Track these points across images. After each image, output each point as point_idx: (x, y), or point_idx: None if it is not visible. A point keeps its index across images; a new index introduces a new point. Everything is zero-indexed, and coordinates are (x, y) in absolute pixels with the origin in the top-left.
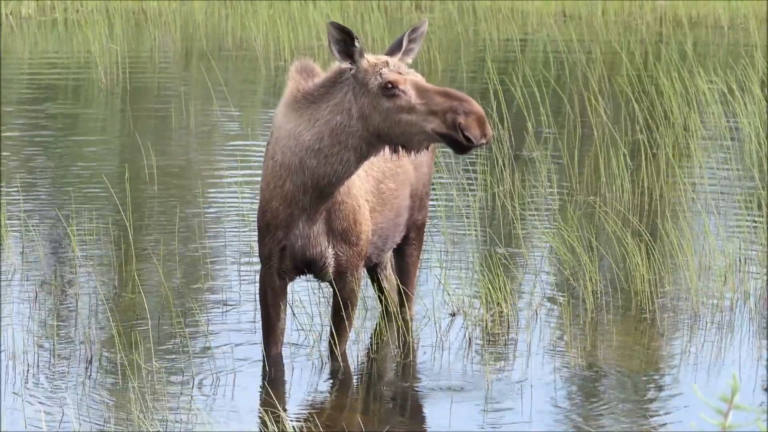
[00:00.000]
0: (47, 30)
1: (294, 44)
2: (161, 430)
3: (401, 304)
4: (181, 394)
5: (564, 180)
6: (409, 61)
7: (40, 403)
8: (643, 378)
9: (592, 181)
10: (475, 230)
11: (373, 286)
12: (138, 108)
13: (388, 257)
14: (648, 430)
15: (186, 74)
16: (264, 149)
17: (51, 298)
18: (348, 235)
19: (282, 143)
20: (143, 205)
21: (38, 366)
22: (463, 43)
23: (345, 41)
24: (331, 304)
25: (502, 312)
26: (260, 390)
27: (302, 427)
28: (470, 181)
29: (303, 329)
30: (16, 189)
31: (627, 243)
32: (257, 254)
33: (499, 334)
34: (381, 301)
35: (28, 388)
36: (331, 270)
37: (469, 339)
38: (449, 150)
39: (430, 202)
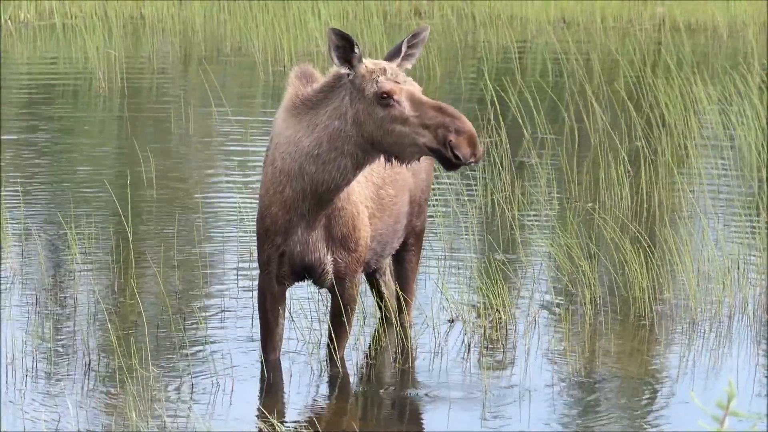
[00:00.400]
0: (46, 34)
1: (293, 49)
2: None
3: (400, 310)
4: (179, 399)
5: (563, 186)
6: (409, 66)
7: (39, 407)
8: (642, 384)
9: (590, 188)
10: (474, 236)
11: (372, 291)
12: (136, 112)
13: (387, 263)
14: None
15: (185, 79)
16: (263, 155)
17: (50, 303)
18: (347, 241)
19: (281, 149)
20: (142, 210)
21: (37, 371)
22: (461, 49)
23: (344, 47)
24: (329, 309)
25: (500, 318)
26: (259, 395)
27: (301, 430)
28: (469, 188)
29: (302, 335)
30: (15, 194)
31: (626, 250)
32: (256, 260)
33: (497, 340)
34: (380, 307)
35: (27, 393)
36: (329, 276)
37: (468, 345)
38: (439, 165)
39: (429, 209)
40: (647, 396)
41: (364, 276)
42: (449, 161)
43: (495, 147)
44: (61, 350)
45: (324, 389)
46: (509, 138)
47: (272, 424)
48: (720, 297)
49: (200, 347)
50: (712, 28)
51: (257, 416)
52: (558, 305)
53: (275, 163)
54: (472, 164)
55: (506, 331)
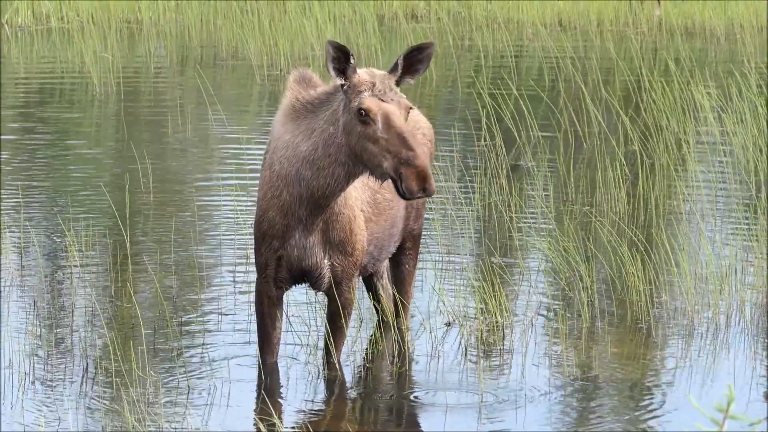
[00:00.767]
0: (43, 39)
1: (289, 54)
2: None
3: (397, 314)
4: (176, 403)
5: (560, 190)
6: (412, 81)
7: (36, 411)
8: (639, 388)
9: (588, 191)
10: (471, 240)
11: (369, 295)
12: (133, 116)
13: (385, 267)
14: None
15: (181, 83)
16: (261, 158)
17: (48, 306)
18: (344, 245)
19: (279, 153)
20: (139, 214)
21: (35, 375)
22: (458, 53)
23: (340, 59)
24: (326, 313)
25: (497, 322)
26: (255, 399)
27: None
28: (466, 191)
29: (299, 338)
30: (13, 198)
31: (623, 253)
32: (253, 263)
33: (494, 344)
34: (377, 311)
35: (25, 397)
36: (326, 280)
37: (465, 349)
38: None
39: (426, 212)
40: (644, 400)
41: (361, 279)
42: (400, 191)
43: (491, 151)
44: (58, 354)
45: (321, 393)
46: (505, 141)
47: (269, 428)
48: (717, 300)
49: (197, 351)
50: (709, 32)
51: (254, 419)
52: (555, 309)
53: (273, 167)
54: (423, 197)
55: (503, 335)
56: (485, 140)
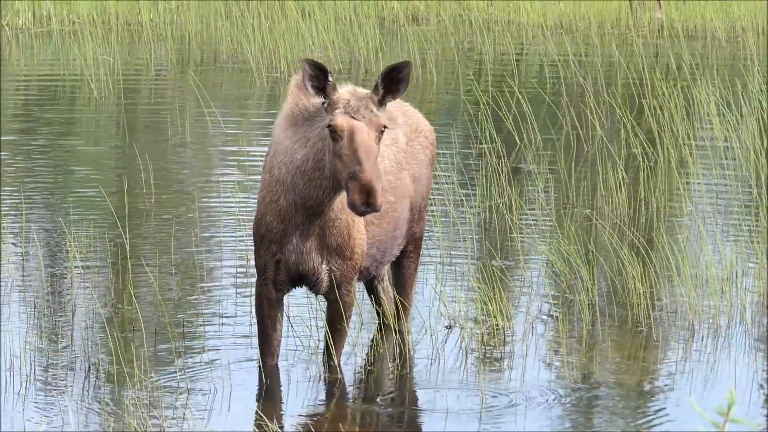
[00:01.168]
0: (43, 41)
1: (289, 56)
2: None
3: (398, 317)
4: (177, 404)
5: (561, 192)
6: (392, 101)
7: (37, 413)
8: (640, 391)
9: (588, 194)
10: (472, 243)
11: (371, 298)
12: (133, 118)
13: (386, 269)
14: None
15: (181, 85)
16: (262, 160)
17: (48, 308)
18: (342, 250)
19: (279, 158)
20: (139, 215)
21: (35, 376)
22: (458, 55)
23: (318, 77)
24: (326, 316)
25: (498, 325)
26: (256, 401)
27: None
28: (467, 194)
29: (300, 341)
30: (14, 200)
31: (623, 256)
32: (253, 265)
33: (495, 346)
34: (378, 314)
35: (25, 398)
36: (324, 284)
37: (466, 352)
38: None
39: (427, 215)
40: (645, 403)
41: (363, 283)
42: (348, 204)
43: (492, 153)
44: (59, 356)
45: (321, 395)
46: (506, 144)
47: (269, 430)
48: (718, 303)
49: (198, 352)
50: (711, 34)
51: (255, 421)
52: (555, 311)
53: (272, 171)
54: (367, 212)
55: (504, 338)
56: (486, 142)
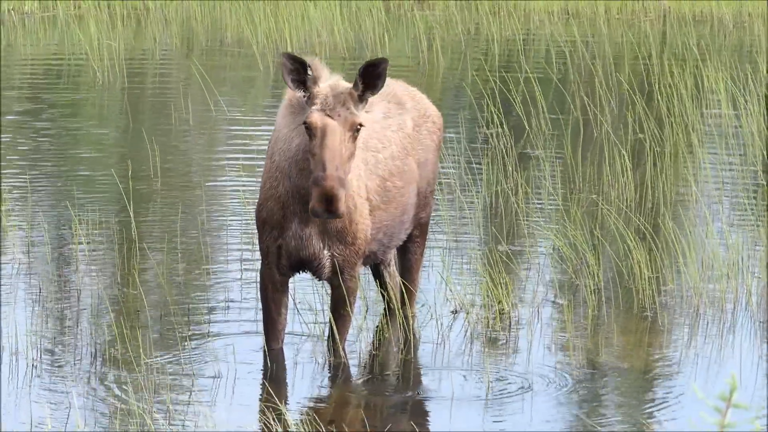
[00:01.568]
0: (49, 26)
1: (295, 40)
2: (164, 423)
3: (403, 301)
4: (182, 388)
5: (567, 177)
6: (371, 96)
7: (43, 396)
8: (644, 376)
9: (595, 179)
10: (478, 228)
11: (377, 282)
12: (138, 103)
13: (392, 254)
14: (648, 428)
15: (186, 69)
16: (267, 145)
17: (54, 293)
18: (344, 235)
19: (279, 145)
20: (146, 200)
21: (41, 360)
22: (465, 41)
23: (299, 70)
24: (330, 301)
25: (503, 309)
26: (261, 385)
27: (304, 418)
28: (474, 179)
29: (306, 326)
30: (20, 185)
31: (629, 241)
32: (258, 249)
33: (500, 331)
34: (384, 298)
35: (31, 382)
36: (327, 270)
37: (471, 336)
38: None
39: (434, 200)
40: (650, 387)
41: (369, 267)
42: (310, 209)
43: (498, 138)
44: (64, 339)
45: (326, 380)
46: (513, 129)
47: (275, 414)
48: (723, 288)
49: (203, 337)
50: (718, 20)
51: (259, 406)
52: (561, 296)
53: (273, 158)
54: (327, 217)
55: (509, 323)
56: (495, 127)
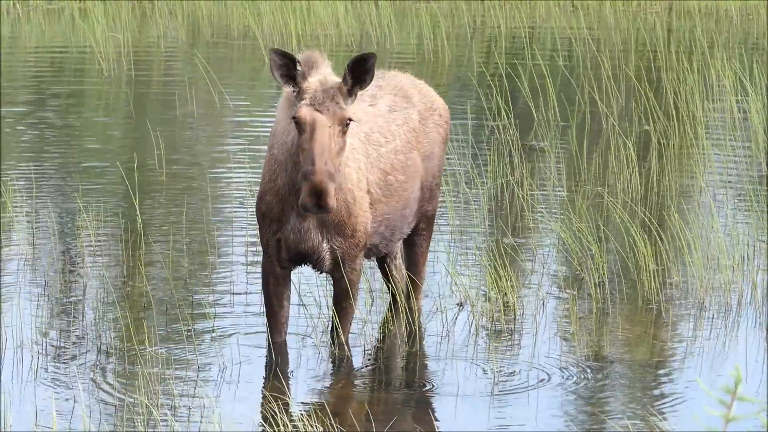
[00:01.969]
0: (54, 19)
1: (300, 33)
2: (169, 416)
3: (409, 294)
4: (187, 380)
5: (572, 170)
6: (360, 91)
7: (48, 388)
8: (649, 369)
9: (600, 172)
10: (484, 220)
11: (383, 275)
12: (143, 96)
13: (398, 247)
14: (653, 421)
15: (191, 62)
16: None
17: (59, 286)
18: (342, 228)
19: (278, 138)
20: (151, 190)
21: (47, 352)
22: (470, 33)
23: (288, 66)
24: (332, 294)
25: (508, 302)
26: (264, 378)
27: (308, 411)
28: (479, 172)
29: (311, 319)
30: (25, 181)
31: (634, 234)
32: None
33: (505, 323)
34: (389, 291)
35: (36, 375)
36: (327, 263)
37: (476, 329)
38: None
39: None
40: (654, 380)
41: (375, 260)
42: (300, 203)
43: (504, 131)
44: (70, 332)
45: (330, 372)
46: (519, 122)
47: (280, 405)
48: (728, 281)
49: (208, 330)
50: (723, 12)
51: (263, 397)
52: (566, 289)
53: (273, 151)
54: (317, 213)
55: (514, 315)
56: (499, 119)
